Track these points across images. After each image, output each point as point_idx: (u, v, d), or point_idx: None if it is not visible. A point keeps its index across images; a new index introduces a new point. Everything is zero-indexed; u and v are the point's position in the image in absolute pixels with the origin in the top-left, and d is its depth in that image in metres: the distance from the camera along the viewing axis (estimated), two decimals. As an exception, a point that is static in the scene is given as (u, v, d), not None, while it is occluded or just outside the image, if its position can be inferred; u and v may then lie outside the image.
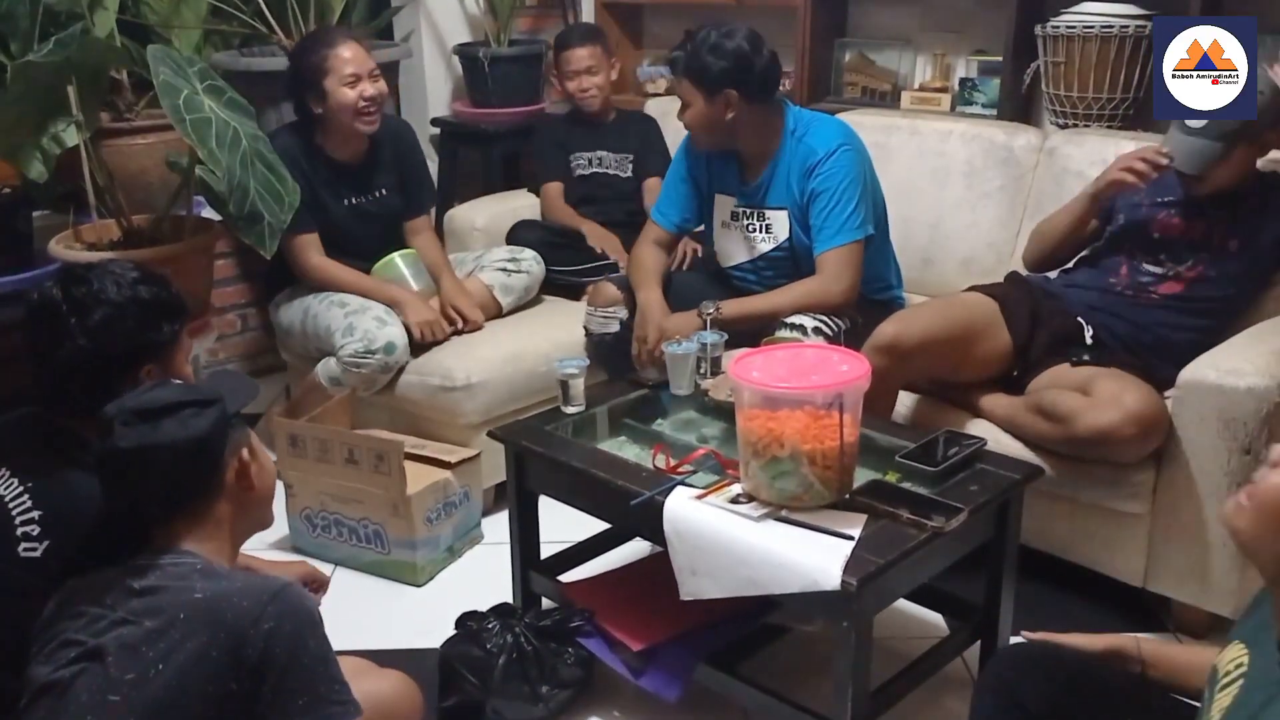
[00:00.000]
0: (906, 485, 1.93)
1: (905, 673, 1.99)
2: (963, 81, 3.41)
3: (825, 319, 2.56)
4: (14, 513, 1.60)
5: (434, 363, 2.84)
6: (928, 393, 2.51)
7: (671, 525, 1.88)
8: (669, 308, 2.69)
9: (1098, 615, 2.34)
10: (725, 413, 2.15)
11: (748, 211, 2.73)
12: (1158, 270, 2.43)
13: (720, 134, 2.65)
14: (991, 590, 2.08)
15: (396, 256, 3.05)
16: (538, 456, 2.17)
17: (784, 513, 1.81)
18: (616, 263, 3.21)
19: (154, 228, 3.12)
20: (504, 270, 3.11)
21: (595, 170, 3.48)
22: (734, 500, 1.85)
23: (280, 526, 2.73)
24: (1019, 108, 3.22)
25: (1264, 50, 2.66)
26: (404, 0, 4.08)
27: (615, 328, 2.78)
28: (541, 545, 2.33)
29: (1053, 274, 2.61)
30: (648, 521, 1.91)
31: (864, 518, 1.79)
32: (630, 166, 3.47)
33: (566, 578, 2.34)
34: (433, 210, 3.32)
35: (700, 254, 3.11)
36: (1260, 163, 2.40)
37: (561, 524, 2.39)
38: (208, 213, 3.20)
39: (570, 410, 2.29)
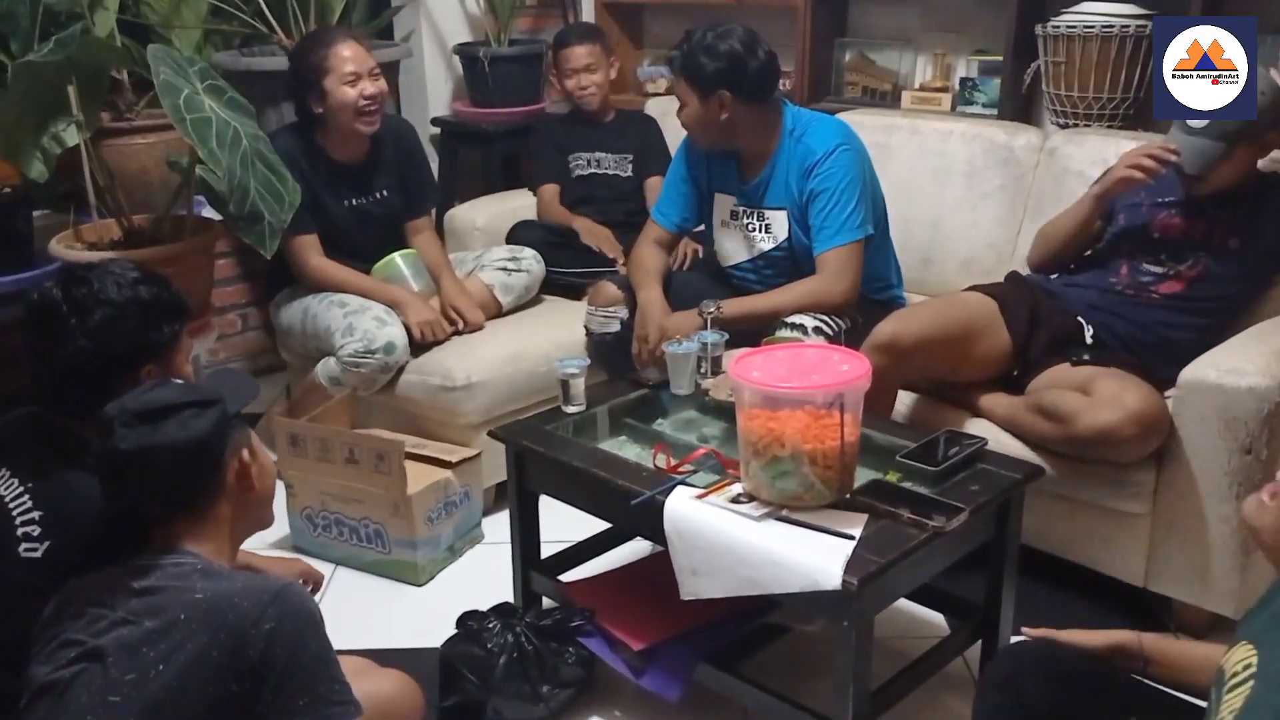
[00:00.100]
0: (907, 485, 1.93)
1: (906, 672, 1.99)
2: (963, 81, 3.41)
3: (826, 319, 2.56)
4: (14, 513, 1.60)
5: (434, 362, 2.84)
6: (927, 392, 2.51)
7: (672, 525, 1.88)
8: (669, 307, 2.69)
9: (1098, 615, 2.34)
10: (726, 412, 2.15)
11: (747, 211, 2.73)
12: (1158, 270, 2.43)
13: (716, 134, 2.66)
14: (992, 590, 2.08)
15: (397, 256, 3.05)
16: (538, 456, 2.17)
17: (784, 512, 1.81)
18: (615, 261, 3.21)
19: (154, 227, 3.12)
20: (504, 270, 3.11)
21: (594, 171, 3.48)
22: (735, 500, 1.85)
23: (281, 526, 2.72)
24: (1019, 108, 3.22)
25: (1264, 50, 2.66)
26: (404, 0, 4.08)
27: (616, 327, 2.78)
28: (542, 545, 2.33)
29: (1053, 274, 2.61)
30: (648, 521, 1.91)
31: (865, 517, 1.79)
32: (630, 166, 3.47)
33: (567, 577, 2.34)
34: (433, 210, 3.32)
35: (700, 254, 3.11)
36: (1261, 163, 2.40)
37: (562, 524, 2.39)
38: (208, 212, 3.20)
39: (571, 410, 2.29)
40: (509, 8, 3.96)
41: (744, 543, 1.79)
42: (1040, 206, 2.85)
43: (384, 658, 1.81)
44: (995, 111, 3.26)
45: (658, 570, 2.02)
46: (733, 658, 2.04)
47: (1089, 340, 2.42)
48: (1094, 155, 2.75)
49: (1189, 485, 2.19)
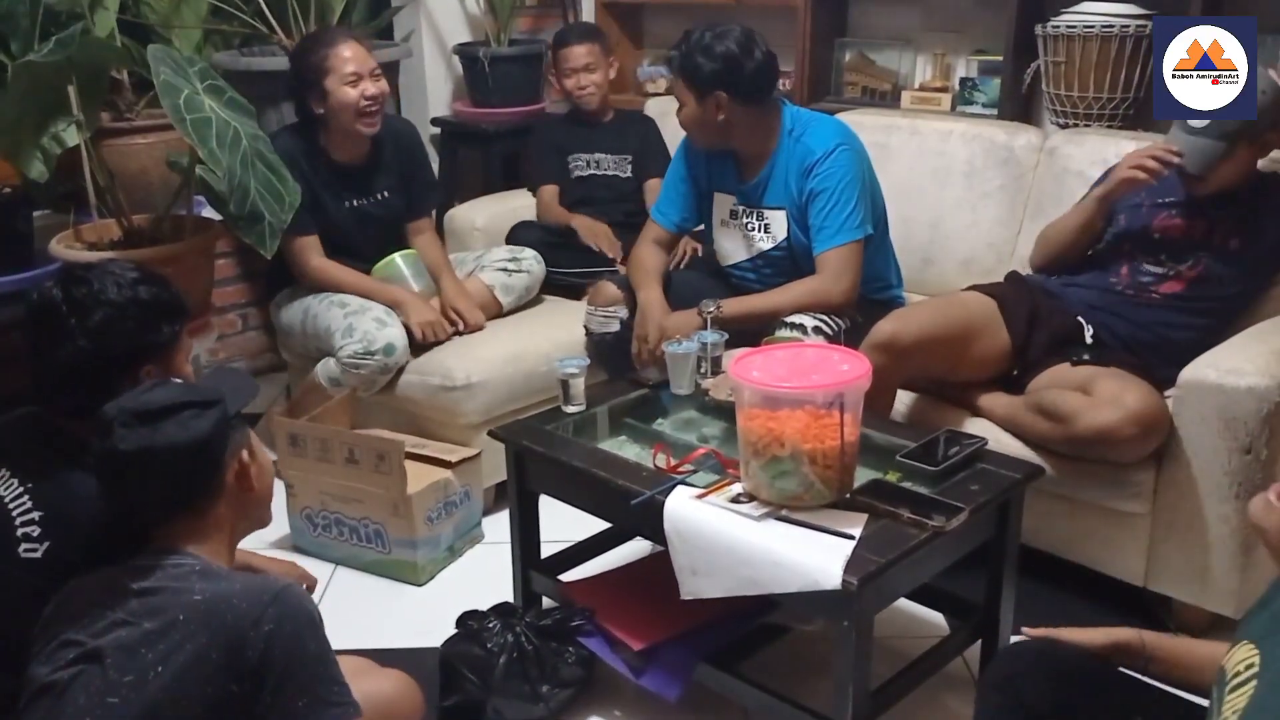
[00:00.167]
0: (907, 485, 1.93)
1: (905, 672, 1.99)
2: (963, 81, 3.41)
3: (825, 318, 2.56)
4: (14, 513, 1.60)
5: (434, 362, 2.84)
6: (926, 391, 2.51)
7: (672, 525, 1.88)
8: (669, 307, 2.69)
9: (1098, 615, 2.34)
10: (725, 412, 2.15)
11: (746, 210, 2.73)
12: (1158, 270, 2.43)
13: (714, 134, 2.66)
14: (992, 590, 2.08)
15: (397, 257, 3.05)
16: (538, 456, 2.17)
17: (784, 512, 1.81)
18: (615, 260, 3.21)
19: (154, 227, 3.12)
20: (504, 270, 3.11)
21: (593, 172, 3.47)
22: (734, 500, 1.85)
23: (280, 526, 2.73)
24: (1019, 107, 3.22)
25: (1264, 50, 2.66)
26: (404, 0, 4.08)
27: (615, 327, 2.78)
28: (542, 545, 2.33)
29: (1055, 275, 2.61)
30: (648, 521, 1.91)
31: (864, 517, 1.79)
32: (629, 167, 3.47)
33: (567, 577, 2.34)
34: (434, 211, 3.32)
35: (700, 253, 3.11)
36: (1261, 163, 2.40)
37: (561, 524, 2.39)
38: (208, 212, 3.20)
39: (570, 410, 2.29)
40: (509, 8, 3.96)
41: (744, 543, 1.79)
42: (1040, 206, 2.85)
43: (384, 658, 1.81)
44: (995, 111, 3.26)
45: (658, 570, 2.02)
46: (732, 658, 2.04)
47: (1089, 340, 2.42)
48: (1094, 155, 2.75)
49: (1189, 485, 2.19)
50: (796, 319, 2.54)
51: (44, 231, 3.14)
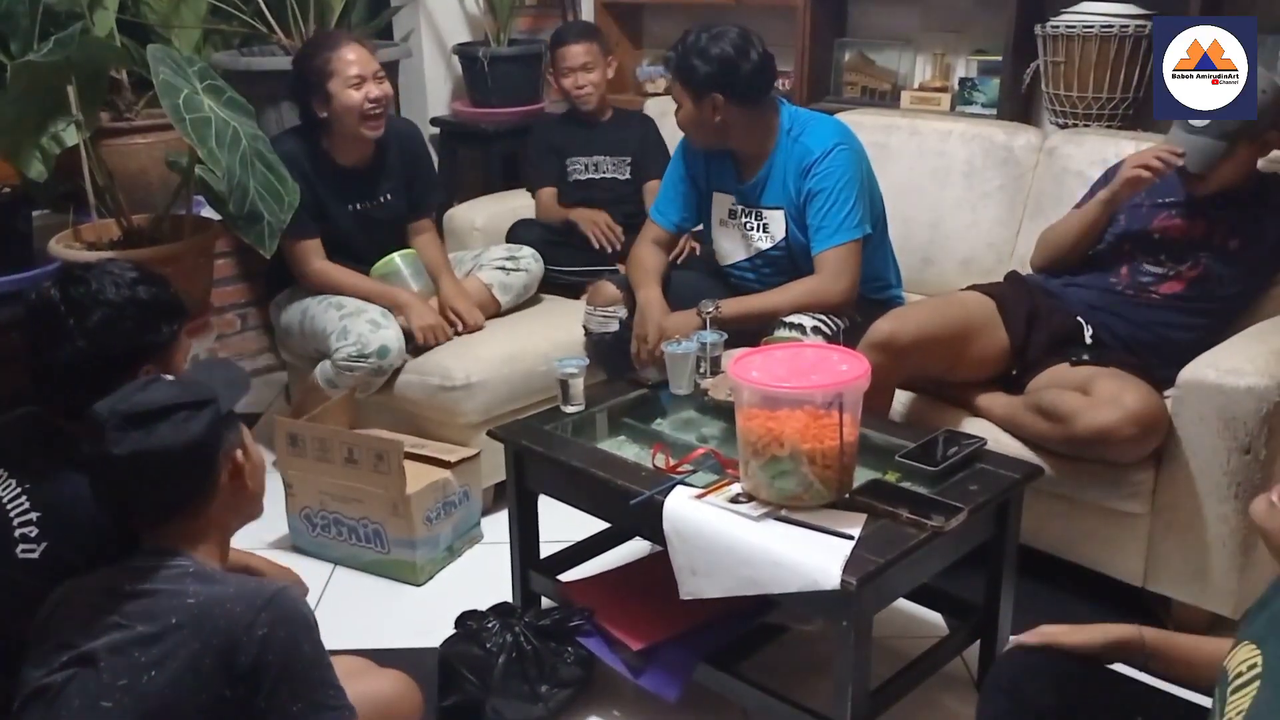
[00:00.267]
0: (906, 485, 1.93)
1: (905, 672, 1.99)
2: (962, 81, 3.41)
3: (824, 318, 2.56)
4: (12, 514, 1.60)
5: (433, 362, 2.84)
6: (925, 391, 2.51)
7: (671, 525, 1.88)
8: (668, 307, 2.69)
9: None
10: (725, 412, 2.15)
11: (745, 210, 2.73)
12: (1158, 270, 2.43)
13: (711, 135, 2.66)
14: (991, 590, 2.08)
15: (396, 256, 3.05)
16: (537, 456, 2.17)
17: (784, 512, 1.81)
18: (617, 247, 3.21)
19: (154, 227, 3.12)
20: (502, 269, 3.11)
21: (591, 175, 3.47)
22: (734, 500, 1.85)
23: (280, 526, 2.74)
24: (1019, 107, 3.22)
25: (1264, 50, 2.66)
26: (403, 0, 4.08)
27: (615, 327, 2.78)
28: (541, 545, 2.33)
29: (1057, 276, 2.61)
30: (647, 521, 1.91)
31: (864, 517, 1.79)
32: (628, 169, 3.47)
33: (566, 577, 2.34)
34: (435, 212, 3.32)
35: (698, 251, 3.11)
36: (1261, 163, 2.40)
37: (561, 523, 2.39)
38: (207, 212, 3.20)
39: (570, 410, 2.29)
40: (508, 8, 3.96)
41: (743, 542, 1.79)
42: (1040, 206, 2.85)
43: (383, 658, 1.81)
44: (995, 111, 3.26)
45: (657, 570, 2.02)
46: (732, 657, 2.04)
47: (1088, 340, 2.42)
48: (1093, 155, 2.75)
49: (1188, 485, 2.19)
50: (795, 319, 2.54)
51: (43, 231, 3.14)
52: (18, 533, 1.59)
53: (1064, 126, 3.04)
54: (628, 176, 3.46)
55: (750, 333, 2.48)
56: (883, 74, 3.58)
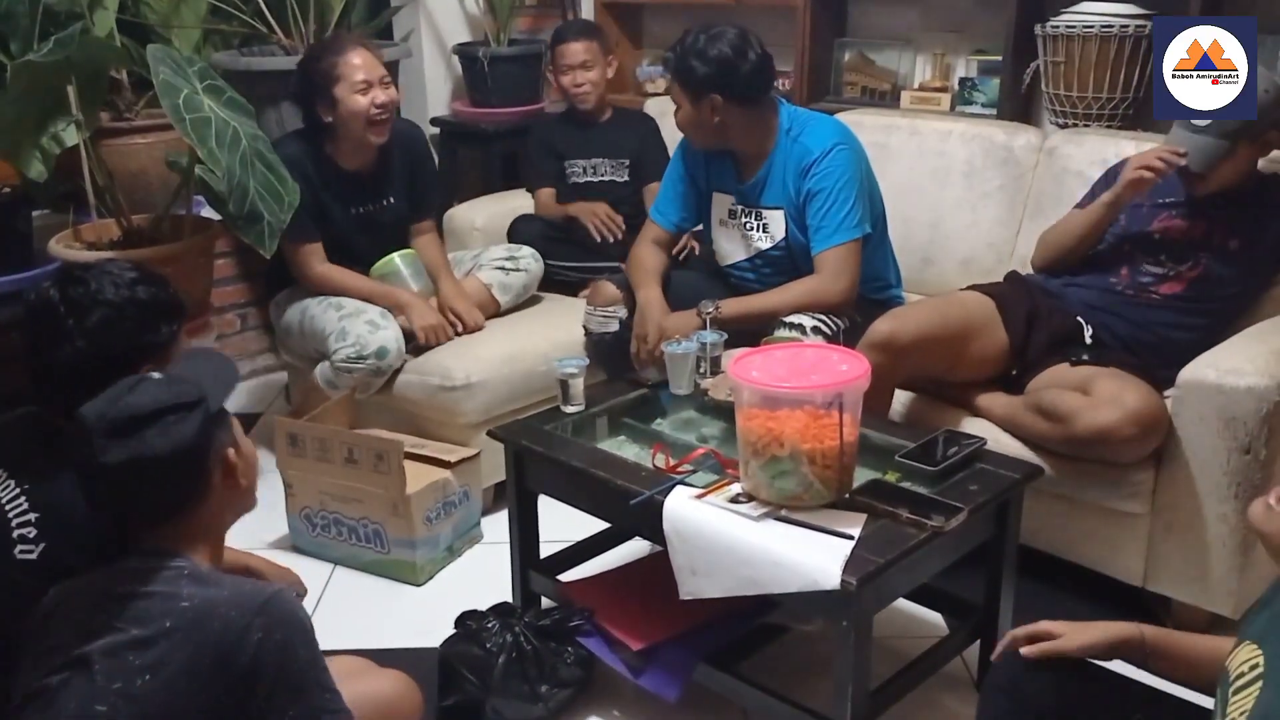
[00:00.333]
0: (906, 485, 1.93)
1: (905, 672, 1.99)
2: (962, 81, 3.41)
3: (824, 318, 2.56)
4: (10, 515, 1.59)
5: (433, 362, 2.84)
6: (924, 391, 2.51)
7: (671, 525, 1.87)
8: (668, 307, 2.69)
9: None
10: (725, 412, 2.15)
11: (744, 210, 2.73)
12: (1158, 270, 2.43)
13: (710, 135, 2.66)
14: (991, 590, 2.08)
15: (396, 256, 3.05)
16: (537, 456, 2.17)
17: (784, 512, 1.81)
18: (618, 237, 3.22)
19: (154, 227, 3.12)
20: (501, 269, 3.11)
21: (589, 179, 3.46)
22: (734, 500, 1.85)
23: (280, 526, 2.74)
24: (1019, 107, 3.22)
25: (1264, 50, 2.66)
26: (403, 0, 4.08)
27: (615, 327, 2.78)
28: (541, 545, 2.33)
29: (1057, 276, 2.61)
30: (647, 521, 1.91)
31: (864, 517, 1.79)
32: (626, 171, 3.47)
33: (566, 577, 2.34)
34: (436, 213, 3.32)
35: (697, 251, 3.11)
36: (1261, 163, 2.40)
37: (561, 524, 2.39)
38: (207, 212, 3.20)
39: (570, 410, 2.29)
40: (508, 8, 3.96)
41: (743, 542, 1.79)
42: (1040, 206, 2.85)
43: (383, 658, 1.81)
44: (995, 111, 3.26)
45: (657, 570, 2.02)
46: (732, 657, 2.04)
47: (1088, 340, 2.42)
48: (1093, 155, 2.75)
49: (1188, 485, 2.19)
50: (795, 319, 2.54)
51: (43, 231, 3.15)
52: (16, 533, 1.58)
53: (1064, 126, 3.04)
54: (626, 179, 3.46)
55: (750, 333, 2.48)
56: (883, 74, 3.58)
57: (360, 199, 3.00)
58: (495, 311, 3.07)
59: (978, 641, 2.13)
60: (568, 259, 3.27)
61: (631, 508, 1.92)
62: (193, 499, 1.45)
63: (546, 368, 2.61)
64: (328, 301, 2.91)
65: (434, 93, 4.19)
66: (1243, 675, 1.28)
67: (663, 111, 3.44)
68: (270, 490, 2.85)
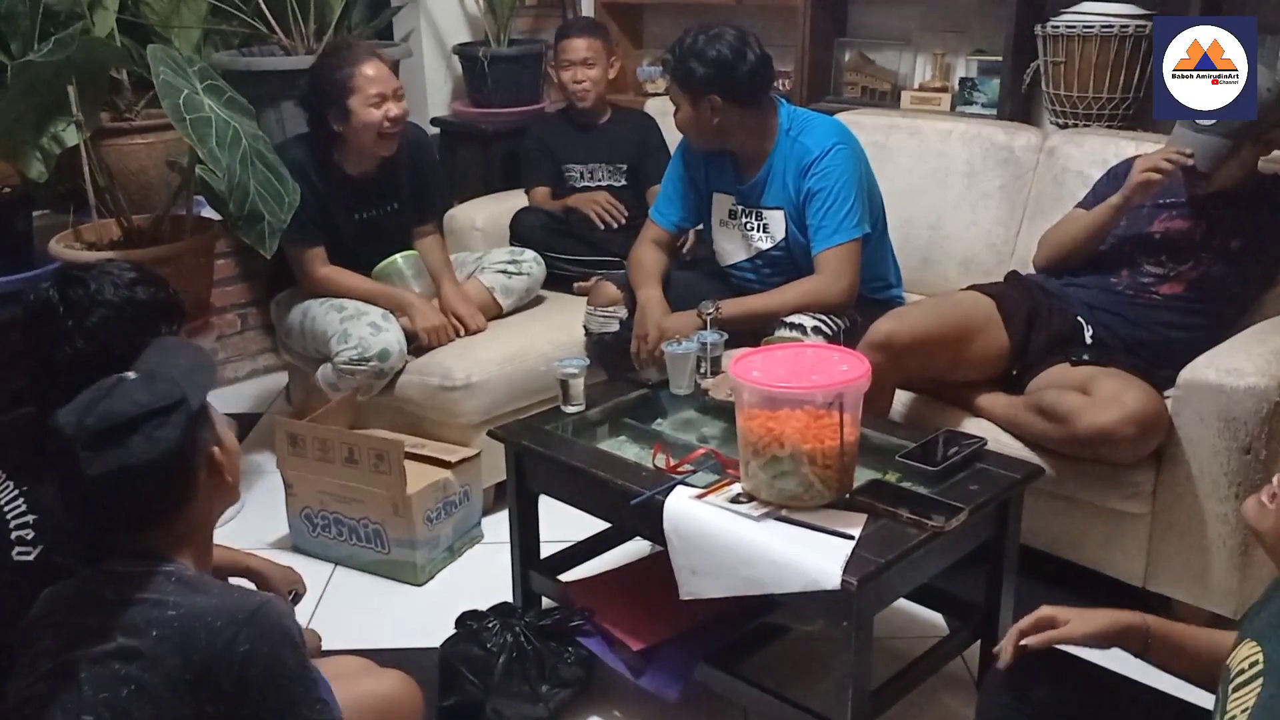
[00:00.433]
0: (906, 485, 1.93)
1: (905, 672, 1.99)
2: (962, 81, 3.41)
3: (825, 318, 2.56)
4: (8, 516, 1.59)
5: (434, 362, 2.84)
6: (924, 391, 2.50)
7: (671, 525, 1.87)
8: (669, 307, 2.69)
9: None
10: (725, 412, 2.15)
11: (745, 210, 2.73)
12: (1159, 270, 2.43)
13: (710, 136, 2.66)
14: (991, 590, 2.08)
15: (398, 257, 3.05)
16: (538, 456, 2.17)
17: (784, 512, 1.81)
18: (619, 223, 3.22)
19: (154, 227, 3.12)
20: (504, 272, 3.11)
21: (587, 184, 3.46)
22: (734, 500, 1.85)
23: (280, 526, 2.74)
24: (1019, 108, 3.22)
25: (1264, 50, 2.66)
26: (403, 0, 4.08)
27: (615, 327, 2.78)
28: (541, 545, 2.33)
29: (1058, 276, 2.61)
30: (648, 521, 1.91)
31: (864, 517, 1.79)
32: (624, 176, 3.46)
33: (566, 577, 2.34)
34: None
35: (698, 251, 3.10)
36: (1261, 163, 2.40)
37: (561, 524, 2.39)
38: (208, 212, 3.20)
39: (570, 410, 2.29)
40: (508, 8, 3.96)
41: (743, 542, 1.79)
42: (1040, 207, 2.85)
43: (383, 658, 1.81)
44: (995, 111, 3.26)
45: (657, 570, 2.02)
46: (732, 657, 2.04)
47: (1089, 340, 2.42)
48: (1093, 155, 2.75)
49: (1188, 485, 2.19)
50: (796, 319, 2.54)
51: (44, 231, 3.15)
52: (14, 535, 1.58)
53: (1064, 126, 3.04)
54: (624, 184, 3.46)
55: (751, 333, 2.48)
56: (883, 74, 3.58)
57: (365, 205, 2.99)
58: (497, 314, 3.07)
59: (978, 641, 2.13)
60: (567, 252, 3.27)
61: (632, 508, 1.92)
62: (180, 501, 1.41)
63: (547, 368, 2.61)
64: (329, 303, 2.91)
65: (434, 93, 4.18)
66: (1243, 673, 1.28)
67: (663, 111, 3.43)
68: (271, 490, 2.86)
